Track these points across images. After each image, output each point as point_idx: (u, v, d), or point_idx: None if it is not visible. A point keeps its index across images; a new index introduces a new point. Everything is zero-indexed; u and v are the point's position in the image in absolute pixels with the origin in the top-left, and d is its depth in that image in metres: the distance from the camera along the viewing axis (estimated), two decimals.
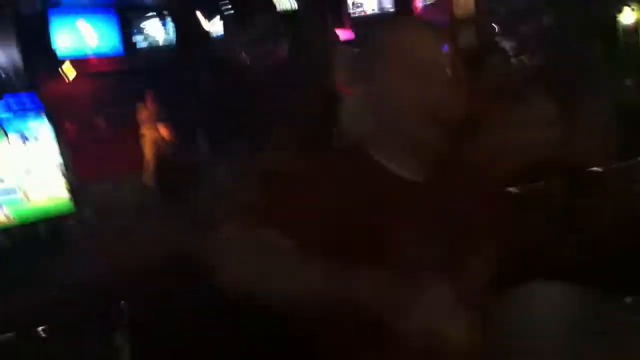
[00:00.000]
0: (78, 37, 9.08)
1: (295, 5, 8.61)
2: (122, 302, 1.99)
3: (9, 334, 1.90)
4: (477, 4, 6.89)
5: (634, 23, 9.30)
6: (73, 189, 2.70)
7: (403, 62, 1.44)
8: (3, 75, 7.09)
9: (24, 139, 2.53)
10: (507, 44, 8.73)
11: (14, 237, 2.53)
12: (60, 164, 2.64)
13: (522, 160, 3.64)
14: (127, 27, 9.60)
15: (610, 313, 1.35)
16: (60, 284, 2.39)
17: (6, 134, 2.48)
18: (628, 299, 1.37)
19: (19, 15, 7.83)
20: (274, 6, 8.66)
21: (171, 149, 7.51)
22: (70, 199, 2.66)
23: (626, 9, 9.22)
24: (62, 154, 2.69)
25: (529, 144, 3.88)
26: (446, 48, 4.94)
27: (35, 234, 2.61)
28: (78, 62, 9.01)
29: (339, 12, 9.76)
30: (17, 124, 2.55)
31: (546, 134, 3.96)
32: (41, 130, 2.58)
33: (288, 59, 8.78)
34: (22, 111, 2.68)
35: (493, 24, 8.52)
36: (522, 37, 8.64)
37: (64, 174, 2.65)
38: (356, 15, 9.70)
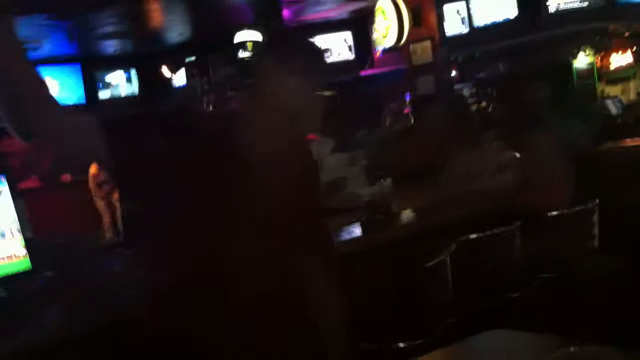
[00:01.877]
0: None
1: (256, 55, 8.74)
2: None
3: None
4: (434, 52, 7.05)
5: (588, 66, 9.59)
6: (31, 248, 2.67)
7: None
8: None
9: None
10: (465, 90, 8.93)
11: None
12: (17, 223, 2.63)
13: (479, 206, 3.73)
14: (91, 79, 9.64)
15: None
16: (21, 347, 2.36)
17: None
18: (572, 348, 1.41)
19: None
20: (236, 56, 8.75)
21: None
22: (28, 258, 2.64)
23: (580, 54, 9.51)
24: (19, 213, 2.67)
25: (485, 190, 3.96)
26: (407, 97, 5.04)
27: None
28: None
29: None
30: None
31: (502, 180, 4.06)
32: None
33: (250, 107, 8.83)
34: None
35: (451, 71, 8.72)
36: (480, 84, 8.86)
37: (21, 233, 2.63)
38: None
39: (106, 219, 7.61)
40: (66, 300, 2.74)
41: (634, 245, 3.75)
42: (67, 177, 9.32)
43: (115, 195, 7.90)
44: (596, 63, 9.56)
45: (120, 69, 9.86)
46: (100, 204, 7.96)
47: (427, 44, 7.07)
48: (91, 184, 8.05)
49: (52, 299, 2.77)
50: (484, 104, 8.09)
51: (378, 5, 7.26)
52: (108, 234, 7.26)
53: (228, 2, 8.02)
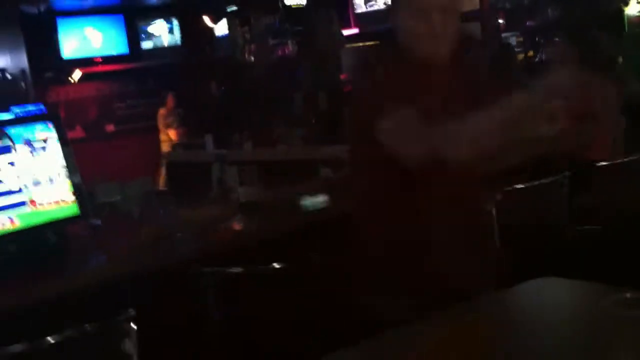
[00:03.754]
0: (85, 42, 9.14)
1: (303, 2, 8.62)
2: (130, 309, 2.00)
3: (18, 345, 1.92)
4: (481, 0, 6.88)
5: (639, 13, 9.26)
6: (79, 193, 2.71)
7: None
8: (10, 85, 7.14)
9: (31, 146, 2.55)
10: (512, 39, 8.71)
11: (19, 242, 2.55)
12: (66, 168, 2.66)
13: (527, 154, 3.65)
14: (134, 29, 9.66)
15: (612, 308, 1.35)
16: (68, 290, 2.41)
17: (13, 143, 2.50)
18: (628, 294, 1.38)
19: (25, 23, 7.89)
20: (281, 3, 8.66)
21: (181, 150, 7.56)
22: (77, 203, 2.68)
23: (632, 1, 9.18)
24: (68, 158, 2.70)
25: (534, 138, 3.88)
26: None
27: (41, 239, 2.63)
28: (85, 66, 9.06)
29: (345, 8, 9.78)
30: (24, 132, 2.57)
31: (552, 128, 3.96)
32: (48, 136, 2.60)
33: (295, 56, 8.80)
34: (28, 120, 2.71)
35: (498, 19, 8.51)
36: (527, 32, 8.63)
37: (70, 178, 2.66)
38: (368, 10, 9.72)
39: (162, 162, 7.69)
40: (113, 245, 2.79)
41: None
42: (110, 128, 9.46)
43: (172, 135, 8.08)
44: None
45: (162, 19, 9.85)
46: (165, 146, 8.12)
47: None
48: (160, 125, 8.26)
49: (100, 244, 2.83)
50: (531, 52, 7.90)
51: None
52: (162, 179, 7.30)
53: None
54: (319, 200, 3.06)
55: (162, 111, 8.46)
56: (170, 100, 8.44)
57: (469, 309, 1.81)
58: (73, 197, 2.73)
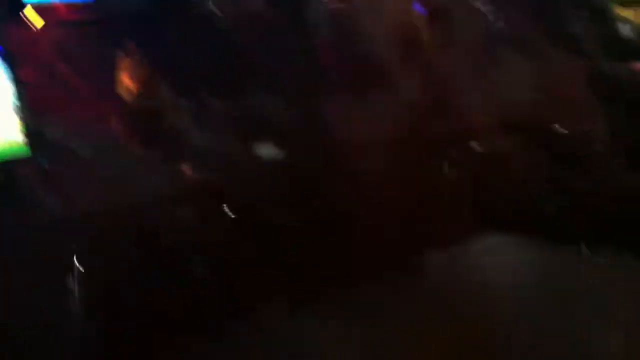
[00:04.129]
0: None
1: None
2: (74, 247, 2.00)
3: None
4: None
5: None
6: (29, 133, 2.66)
7: None
8: None
9: None
10: (482, 3, 8.69)
11: None
12: (17, 106, 2.60)
13: (490, 118, 3.68)
14: None
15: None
16: (14, 231, 2.39)
17: None
18: (584, 249, 1.42)
19: None
20: None
21: (141, 99, 7.43)
22: (26, 143, 2.63)
23: None
24: (20, 96, 2.65)
25: (499, 103, 3.91)
26: (419, 8, 4.85)
27: None
28: (43, 8, 8.83)
29: None
30: None
31: (516, 94, 4.00)
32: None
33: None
34: None
35: None
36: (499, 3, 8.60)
37: (20, 117, 2.61)
38: None
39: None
40: (62, 189, 2.75)
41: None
42: (73, 79, 9.27)
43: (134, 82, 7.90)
44: None
45: None
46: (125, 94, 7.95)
47: None
48: (121, 74, 8.06)
49: (49, 187, 2.78)
50: (501, 20, 7.89)
51: None
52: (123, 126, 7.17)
53: None
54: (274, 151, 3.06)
55: (123, 60, 8.29)
56: (132, 49, 8.27)
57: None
58: (24, 138, 2.68)
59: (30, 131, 2.70)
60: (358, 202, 2.67)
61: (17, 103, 2.68)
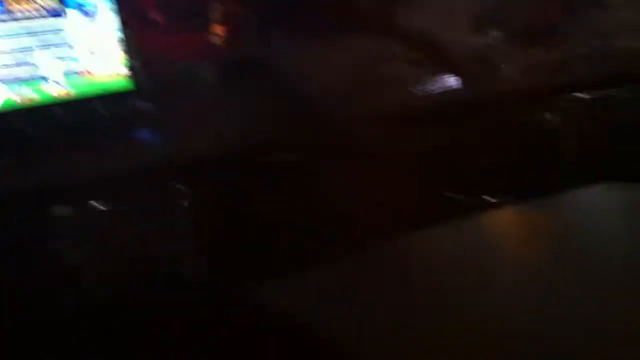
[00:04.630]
0: None
1: None
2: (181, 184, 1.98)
3: (66, 207, 1.92)
4: None
5: None
6: (135, 68, 2.65)
7: None
8: None
9: (85, 13, 2.47)
10: None
11: (73, 112, 2.52)
12: (122, 40, 2.59)
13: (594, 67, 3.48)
14: None
15: None
16: (118, 160, 2.40)
17: (66, 9, 2.42)
18: None
19: None
20: None
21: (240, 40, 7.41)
22: (132, 77, 2.62)
23: None
24: (125, 30, 2.63)
25: (609, 51, 3.69)
26: None
27: (95, 110, 2.60)
28: None
29: None
30: None
31: (630, 41, 3.76)
32: (102, 5, 2.52)
33: None
34: None
35: None
36: None
37: (126, 51, 2.59)
38: None
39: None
40: (169, 127, 2.74)
41: None
42: (159, 17, 9.29)
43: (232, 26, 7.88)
44: None
45: None
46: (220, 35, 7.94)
47: None
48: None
49: (155, 123, 2.78)
50: None
51: None
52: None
53: None
54: None
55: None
56: None
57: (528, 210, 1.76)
58: (128, 71, 2.68)
59: (135, 65, 2.69)
60: None
61: (122, 36, 2.66)
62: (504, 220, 1.71)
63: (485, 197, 2.90)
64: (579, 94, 3.07)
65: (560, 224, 1.73)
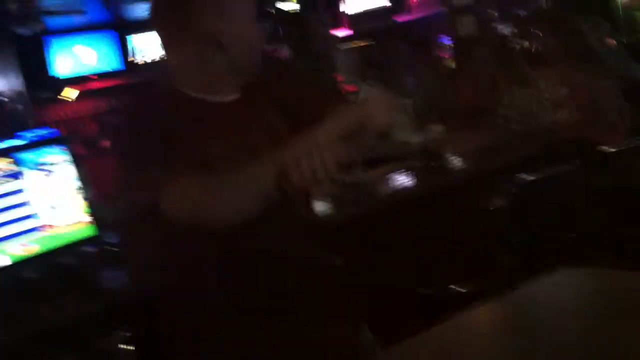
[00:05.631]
0: (79, 60, 9.13)
1: (295, 7, 8.58)
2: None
3: None
4: None
5: None
6: (95, 212, 2.70)
7: None
8: (9, 109, 7.11)
9: (42, 170, 2.54)
10: (506, 29, 8.70)
11: (38, 267, 2.54)
12: (81, 189, 2.65)
13: (535, 144, 3.65)
14: (128, 44, 9.64)
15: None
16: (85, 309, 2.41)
17: (24, 170, 2.48)
18: None
19: (18, 45, 7.85)
20: (272, 9, 8.63)
21: None
22: (93, 223, 2.67)
23: None
24: (82, 178, 2.70)
25: (540, 127, 3.88)
26: (447, 40, 4.93)
27: (59, 262, 2.62)
28: (80, 84, 9.04)
29: (335, 10, 9.77)
30: (35, 157, 2.56)
31: (556, 116, 3.96)
32: (57, 158, 2.59)
33: (289, 59, 8.78)
34: (39, 144, 2.69)
35: (491, 10, 8.50)
36: (522, 21, 8.61)
37: (84, 198, 2.65)
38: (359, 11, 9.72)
39: None
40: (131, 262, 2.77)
41: None
42: (107, 143, 9.42)
43: None
44: None
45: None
46: None
47: None
48: None
49: (117, 262, 2.81)
50: (528, 41, 7.88)
51: None
52: None
53: None
54: None
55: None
56: None
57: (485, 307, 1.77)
58: (89, 218, 2.73)
59: (94, 209, 2.74)
60: None
61: (80, 183, 2.72)
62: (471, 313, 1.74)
63: (452, 287, 2.97)
64: (524, 176, 3.20)
65: (520, 313, 1.75)
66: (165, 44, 1.76)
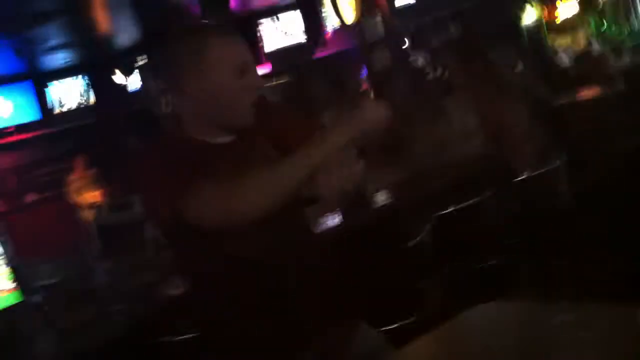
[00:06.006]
0: None
1: None
2: None
3: None
4: (385, 26, 7.08)
5: (537, 21, 9.69)
6: (19, 277, 2.67)
7: None
8: None
9: None
10: (420, 59, 8.97)
11: None
12: (3, 257, 2.62)
13: (448, 177, 3.75)
14: (44, 93, 9.49)
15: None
16: None
17: None
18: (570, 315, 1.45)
19: None
20: None
21: (107, 210, 7.41)
22: (18, 289, 2.64)
23: (527, 9, 9.61)
24: (4, 245, 2.66)
25: (454, 159, 4.00)
26: (364, 73, 5.06)
27: None
28: None
29: (255, 48, 9.87)
30: None
31: (469, 145, 4.09)
32: None
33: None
34: None
35: (404, 42, 8.75)
36: (434, 51, 8.89)
37: (7, 265, 2.62)
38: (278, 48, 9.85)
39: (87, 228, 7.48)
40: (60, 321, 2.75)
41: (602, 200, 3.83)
42: (31, 196, 9.20)
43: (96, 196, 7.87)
44: (544, 17, 9.65)
45: (73, 78, 9.72)
46: (83, 213, 7.89)
47: (378, 18, 7.10)
48: (71, 191, 7.99)
49: (46, 323, 2.78)
50: (440, 71, 8.13)
51: None
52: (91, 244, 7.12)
53: None
54: None
55: (71, 176, 8.11)
56: (78, 164, 8.11)
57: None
58: (13, 284, 2.69)
59: (19, 275, 2.71)
60: None
61: (2, 250, 2.68)
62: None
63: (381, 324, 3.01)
64: (444, 207, 3.30)
65: (456, 345, 1.79)
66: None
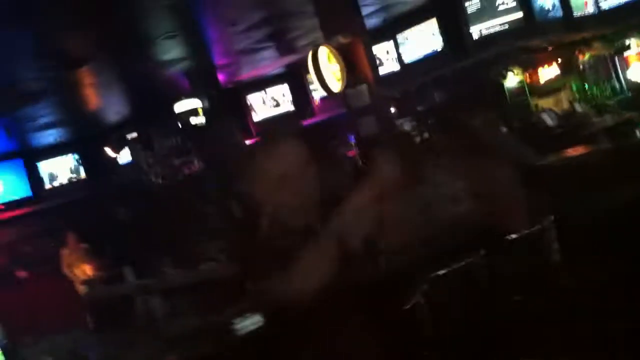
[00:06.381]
0: None
1: (202, 120, 8.74)
2: None
3: None
4: (370, 94, 7.20)
5: (519, 84, 9.87)
6: (10, 358, 2.65)
7: None
8: None
9: None
10: (407, 125, 9.11)
11: None
12: None
13: (439, 240, 3.77)
14: (35, 171, 9.56)
15: None
16: None
17: None
18: None
19: None
20: (180, 123, 8.76)
21: (100, 284, 7.37)
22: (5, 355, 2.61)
23: (509, 74, 9.80)
24: None
25: (443, 222, 4.02)
26: (352, 139, 5.14)
27: None
28: None
29: (244, 119, 10.02)
30: None
31: (455, 209, 4.12)
32: None
33: (200, 171, 8.89)
34: None
35: (391, 108, 8.89)
36: (419, 117, 9.04)
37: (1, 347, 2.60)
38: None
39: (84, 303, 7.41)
40: None
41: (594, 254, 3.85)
42: (21, 273, 9.12)
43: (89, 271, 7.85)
44: (526, 80, 9.83)
45: (63, 156, 9.81)
46: (79, 286, 7.86)
47: (363, 87, 7.22)
48: (64, 266, 7.97)
49: None
50: (426, 135, 8.25)
51: (320, 52, 7.33)
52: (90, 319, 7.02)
53: (163, 74, 8.07)
54: (251, 321, 3.06)
55: (64, 251, 8.12)
56: (70, 239, 8.11)
57: None
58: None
59: (10, 354, 2.68)
60: None
61: None
62: None
63: None
64: (434, 272, 3.29)
65: None
66: None
